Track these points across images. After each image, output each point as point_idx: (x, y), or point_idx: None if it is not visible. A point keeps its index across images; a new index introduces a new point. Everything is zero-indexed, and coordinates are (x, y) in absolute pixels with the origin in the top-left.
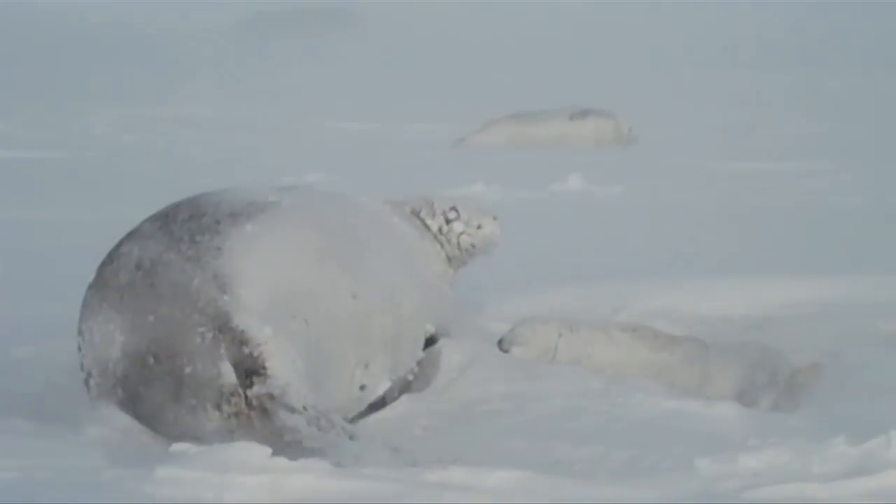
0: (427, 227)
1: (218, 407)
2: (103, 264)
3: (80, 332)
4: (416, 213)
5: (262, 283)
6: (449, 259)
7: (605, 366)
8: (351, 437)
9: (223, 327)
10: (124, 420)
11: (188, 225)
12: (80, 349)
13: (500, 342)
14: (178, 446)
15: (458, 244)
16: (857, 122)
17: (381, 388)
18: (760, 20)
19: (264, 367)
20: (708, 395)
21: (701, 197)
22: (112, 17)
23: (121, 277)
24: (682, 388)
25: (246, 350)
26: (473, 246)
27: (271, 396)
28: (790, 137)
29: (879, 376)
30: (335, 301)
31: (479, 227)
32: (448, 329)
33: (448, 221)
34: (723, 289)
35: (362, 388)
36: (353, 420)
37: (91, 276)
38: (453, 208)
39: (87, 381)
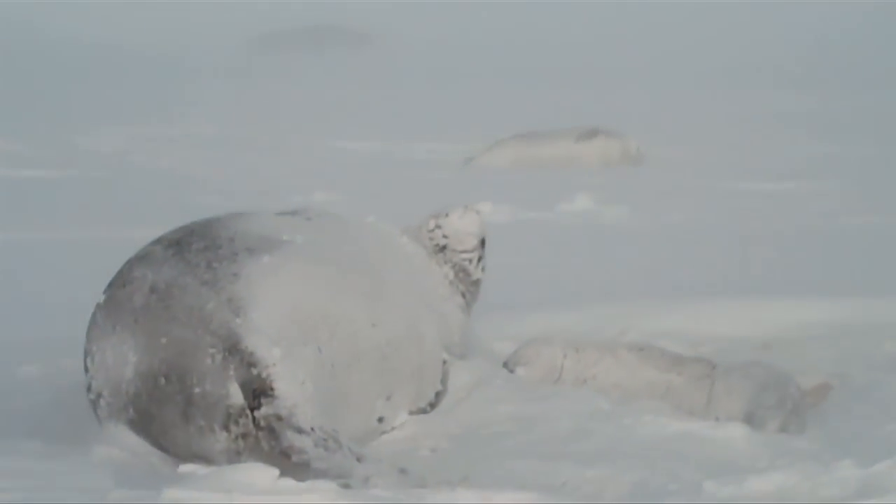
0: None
1: (226, 428)
2: (114, 287)
3: (88, 354)
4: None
5: (275, 308)
6: (459, 289)
7: (611, 386)
8: (358, 459)
9: (233, 348)
10: (132, 440)
11: (205, 254)
12: (87, 370)
13: (505, 363)
14: (185, 467)
15: (437, 244)
16: (865, 142)
17: (399, 420)
18: (769, 40)
19: (272, 389)
20: (715, 416)
21: (708, 217)
22: (120, 36)
23: (135, 300)
24: (689, 408)
25: (254, 371)
26: (446, 237)
27: (279, 417)
28: (798, 158)
29: (887, 398)
30: (353, 331)
31: (446, 215)
32: (458, 355)
33: (427, 224)
34: (730, 309)
35: (380, 420)
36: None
37: (99, 298)
38: (434, 214)
39: (96, 402)
